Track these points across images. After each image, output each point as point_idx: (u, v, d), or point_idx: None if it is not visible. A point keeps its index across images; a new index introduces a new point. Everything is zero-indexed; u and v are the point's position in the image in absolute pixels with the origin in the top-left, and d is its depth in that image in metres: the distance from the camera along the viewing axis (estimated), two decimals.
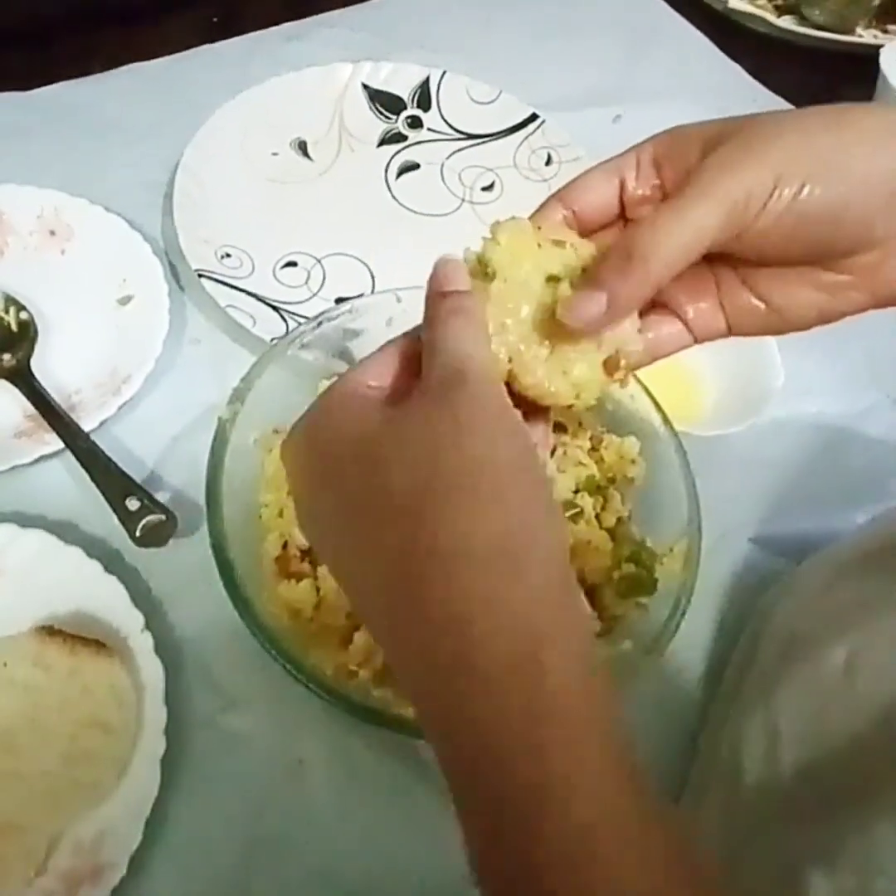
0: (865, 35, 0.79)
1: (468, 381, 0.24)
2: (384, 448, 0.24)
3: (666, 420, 0.42)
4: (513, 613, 0.22)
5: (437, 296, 0.27)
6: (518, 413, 0.25)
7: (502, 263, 0.28)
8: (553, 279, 0.28)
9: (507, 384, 0.28)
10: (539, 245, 0.28)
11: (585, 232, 0.30)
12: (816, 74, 0.77)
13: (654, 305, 0.30)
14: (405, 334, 0.28)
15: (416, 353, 0.27)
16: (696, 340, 0.30)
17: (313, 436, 0.27)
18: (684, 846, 0.21)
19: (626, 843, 0.21)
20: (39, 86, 0.63)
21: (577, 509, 0.40)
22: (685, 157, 0.27)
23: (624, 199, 0.29)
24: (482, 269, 0.28)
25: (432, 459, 0.23)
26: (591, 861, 0.21)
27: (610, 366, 0.28)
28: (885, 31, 0.80)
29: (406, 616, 0.23)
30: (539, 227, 0.29)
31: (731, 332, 0.30)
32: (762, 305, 0.29)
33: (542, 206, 0.30)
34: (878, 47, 0.71)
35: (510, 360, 0.27)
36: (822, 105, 0.27)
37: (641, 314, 0.29)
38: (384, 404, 0.26)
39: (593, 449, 0.42)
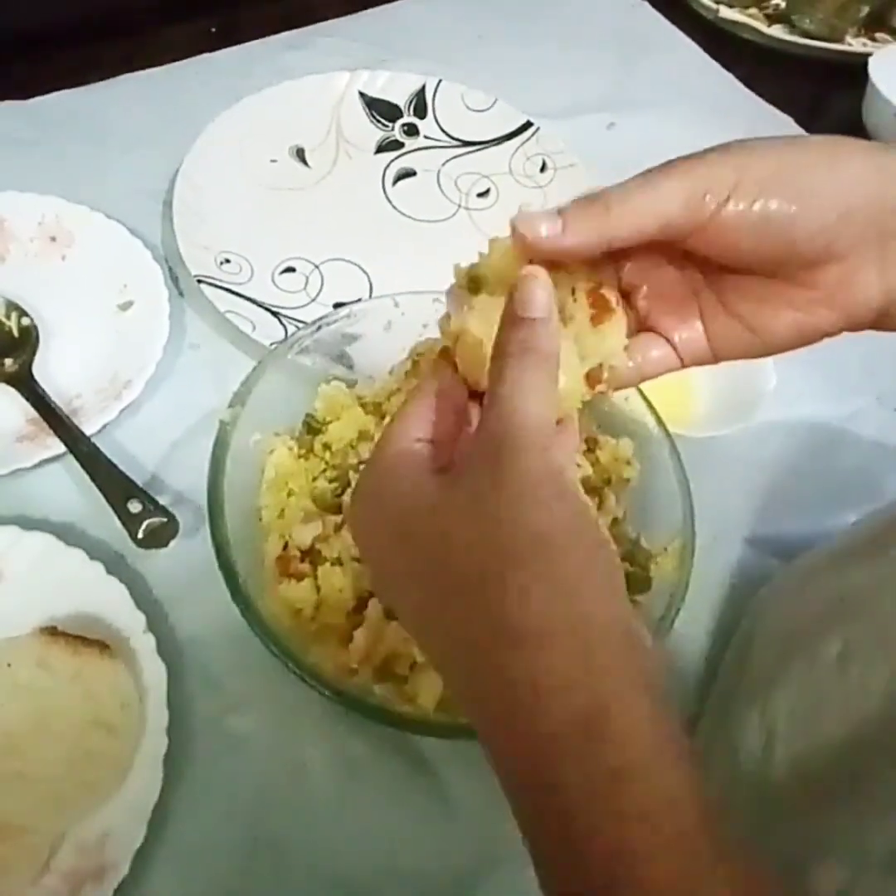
0: (855, 43, 0.81)
1: (519, 447, 0.25)
2: (442, 520, 0.25)
3: (660, 422, 0.43)
4: (576, 685, 0.23)
5: (513, 321, 0.27)
6: (569, 472, 0.26)
7: (489, 278, 0.28)
8: None
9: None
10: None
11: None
12: (807, 82, 0.78)
13: (643, 328, 0.31)
14: (440, 380, 0.29)
15: (457, 400, 0.28)
16: (684, 365, 0.31)
17: (373, 506, 0.28)
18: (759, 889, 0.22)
19: None
20: (40, 95, 0.64)
21: None
22: None
23: None
24: (469, 283, 0.29)
25: (488, 535, 0.24)
26: None
27: (592, 378, 0.29)
28: (874, 40, 0.82)
29: (479, 686, 0.24)
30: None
31: (716, 357, 0.31)
32: (741, 326, 0.30)
33: None
34: (867, 55, 0.72)
35: None
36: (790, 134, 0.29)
37: (630, 336, 0.30)
38: (435, 470, 0.27)
39: (589, 450, 0.43)
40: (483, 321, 0.28)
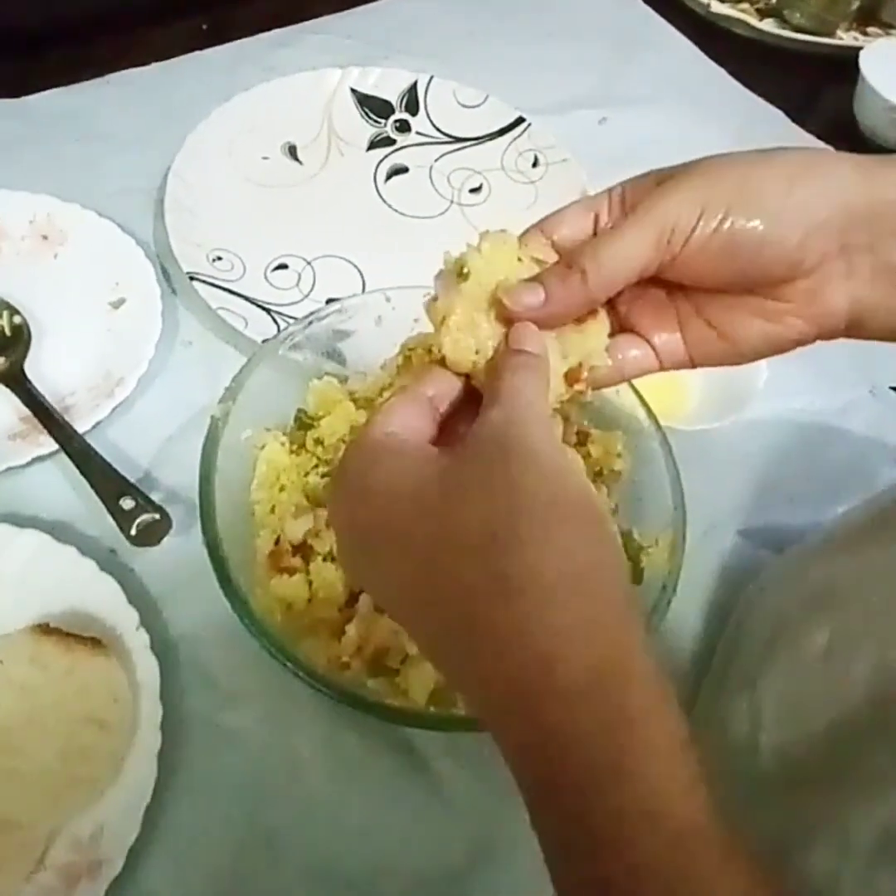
0: (846, 37, 0.81)
1: (526, 426, 0.26)
2: (448, 495, 0.25)
3: (651, 415, 0.43)
4: (589, 637, 0.23)
5: (510, 351, 0.29)
6: (568, 451, 0.27)
7: (478, 267, 0.29)
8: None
9: (469, 376, 0.29)
10: (520, 260, 0.30)
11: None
12: (798, 76, 0.78)
13: (624, 329, 0.32)
14: (416, 386, 0.29)
15: (435, 404, 0.29)
16: (662, 367, 0.32)
17: (365, 494, 0.27)
18: (757, 870, 0.22)
19: (714, 859, 0.21)
20: (31, 94, 0.63)
21: None
22: (643, 194, 0.30)
23: (597, 231, 0.31)
24: (458, 270, 0.29)
25: (497, 500, 0.24)
26: (685, 878, 0.21)
27: (571, 377, 0.30)
28: (865, 34, 0.82)
29: (487, 654, 0.24)
30: (525, 245, 0.30)
31: (693, 362, 0.32)
32: (715, 335, 0.31)
33: (524, 234, 0.31)
34: (858, 49, 0.72)
35: (477, 352, 0.29)
36: (759, 148, 0.30)
37: (611, 335, 0.31)
38: (438, 453, 0.27)
39: (580, 444, 0.43)
40: (469, 306, 0.29)
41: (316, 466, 0.42)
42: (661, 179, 0.29)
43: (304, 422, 0.43)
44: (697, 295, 0.31)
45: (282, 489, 0.41)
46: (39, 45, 0.65)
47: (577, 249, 0.29)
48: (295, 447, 0.42)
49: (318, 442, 0.42)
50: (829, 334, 0.30)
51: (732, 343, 0.31)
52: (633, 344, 0.32)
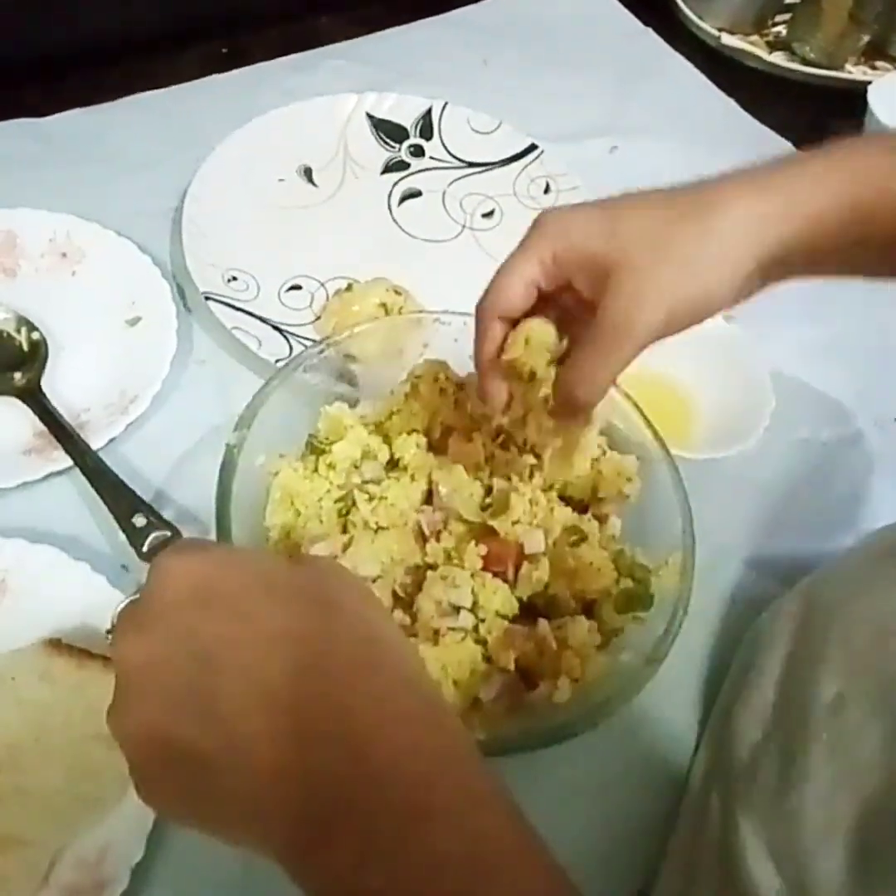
0: (855, 71, 0.82)
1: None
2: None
3: (659, 440, 0.43)
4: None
5: None
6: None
7: None
8: None
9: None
10: None
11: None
12: (807, 109, 0.79)
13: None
14: None
15: None
16: None
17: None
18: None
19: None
20: (52, 115, 0.64)
21: (581, 535, 0.41)
22: (577, 270, 0.35)
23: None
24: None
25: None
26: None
27: None
28: (874, 68, 0.83)
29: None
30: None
31: None
32: None
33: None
34: (866, 83, 0.74)
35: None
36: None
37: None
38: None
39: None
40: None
41: (328, 491, 0.42)
42: (595, 265, 0.34)
43: (316, 447, 0.43)
44: None
45: (297, 515, 0.41)
46: (61, 67, 0.66)
47: (569, 381, 0.35)
48: (308, 472, 0.43)
49: (331, 467, 0.42)
50: None
51: None
52: None
